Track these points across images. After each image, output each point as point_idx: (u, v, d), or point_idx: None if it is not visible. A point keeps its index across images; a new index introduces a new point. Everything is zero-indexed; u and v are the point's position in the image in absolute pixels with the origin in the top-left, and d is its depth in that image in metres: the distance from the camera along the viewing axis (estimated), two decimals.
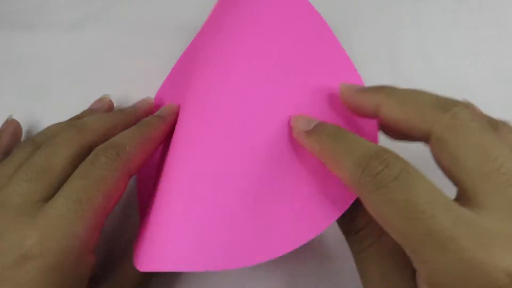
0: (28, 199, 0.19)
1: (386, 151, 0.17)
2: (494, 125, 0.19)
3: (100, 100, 0.29)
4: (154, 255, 0.19)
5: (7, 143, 0.26)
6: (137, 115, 0.26)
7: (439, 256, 0.15)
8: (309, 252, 0.25)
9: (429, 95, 0.19)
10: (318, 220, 0.20)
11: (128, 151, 0.21)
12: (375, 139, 0.22)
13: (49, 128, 0.24)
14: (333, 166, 0.19)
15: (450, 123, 0.17)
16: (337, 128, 0.20)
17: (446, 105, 0.18)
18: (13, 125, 0.27)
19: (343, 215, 0.20)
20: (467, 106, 0.18)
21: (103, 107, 0.28)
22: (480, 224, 0.15)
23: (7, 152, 0.25)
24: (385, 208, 0.16)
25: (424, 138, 0.18)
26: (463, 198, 0.16)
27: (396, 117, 0.19)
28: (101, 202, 0.20)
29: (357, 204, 0.19)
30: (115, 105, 0.29)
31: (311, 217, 0.20)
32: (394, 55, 0.30)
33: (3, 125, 0.27)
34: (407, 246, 0.16)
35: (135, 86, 0.29)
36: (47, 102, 0.30)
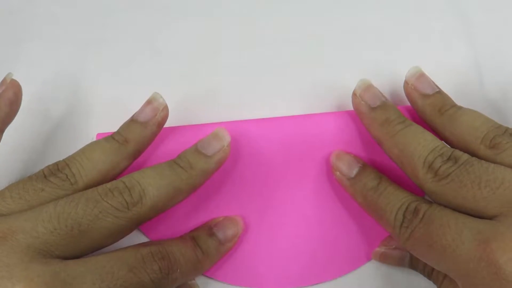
0: (50, 250, 0.18)
1: (417, 201, 0.20)
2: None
3: (151, 103, 0.23)
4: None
5: (4, 117, 0.21)
6: (206, 176, 0.22)
7: None
8: None
9: (425, 148, 0.20)
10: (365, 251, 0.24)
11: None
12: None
13: (91, 157, 0.21)
14: (376, 218, 0.22)
15: (435, 181, 0.20)
16: (378, 179, 0.22)
17: (434, 164, 0.20)
18: (12, 90, 0.22)
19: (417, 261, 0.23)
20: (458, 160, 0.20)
21: (155, 121, 0.23)
22: None
23: (4, 128, 0.22)
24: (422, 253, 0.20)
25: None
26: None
27: (393, 160, 0.22)
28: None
29: None
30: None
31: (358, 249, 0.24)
32: None
33: None
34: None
35: None
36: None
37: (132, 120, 0.23)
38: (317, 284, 0.24)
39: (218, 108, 0.27)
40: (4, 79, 0.22)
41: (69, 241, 0.18)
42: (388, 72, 0.26)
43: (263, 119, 0.25)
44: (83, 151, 0.21)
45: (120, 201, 0.19)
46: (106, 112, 0.27)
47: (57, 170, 0.20)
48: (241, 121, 0.25)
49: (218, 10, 0.29)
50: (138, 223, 0.20)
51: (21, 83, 0.28)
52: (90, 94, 0.28)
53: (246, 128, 0.25)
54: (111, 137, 0.22)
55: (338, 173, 0.24)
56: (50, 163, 0.21)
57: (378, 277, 0.25)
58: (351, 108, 0.25)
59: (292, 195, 0.25)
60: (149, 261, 0.19)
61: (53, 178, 0.20)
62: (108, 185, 0.20)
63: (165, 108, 0.23)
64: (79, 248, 0.18)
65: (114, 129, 0.23)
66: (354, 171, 0.23)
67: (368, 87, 0.23)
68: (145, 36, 0.29)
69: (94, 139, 0.25)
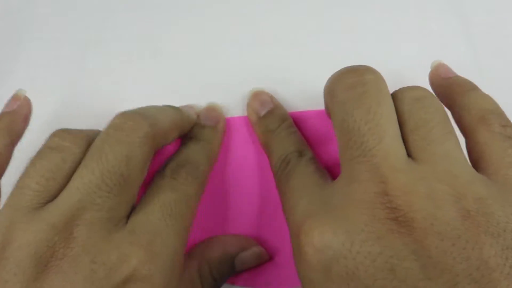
0: (115, 214, 0.16)
1: (295, 152, 0.21)
2: None
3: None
4: None
5: (21, 130, 0.21)
6: (190, 122, 0.22)
7: None
8: None
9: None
10: None
11: (202, 170, 0.20)
12: None
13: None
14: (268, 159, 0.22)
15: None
16: (280, 122, 0.22)
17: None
18: (27, 107, 0.21)
19: None
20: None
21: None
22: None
23: (16, 143, 0.21)
24: None
25: None
26: None
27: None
28: (189, 219, 0.18)
29: None
30: None
31: None
32: None
33: (11, 101, 0.21)
34: None
35: None
36: None
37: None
38: None
39: None
40: (17, 95, 0.21)
41: (124, 195, 0.16)
42: (388, 72, 0.26)
43: None
44: None
45: (139, 126, 0.18)
46: (106, 112, 0.27)
47: (57, 138, 0.18)
48: (234, 117, 0.25)
49: (218, 10, 0.29)
50: (156, 147, 0.19)
51: (20, 83, 0.28)
52: (90, 94, 0.28)
53: (240, 124, 0.25)
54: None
55: (250, 109, 0.23)
56: None
57: None
58: None
59: None
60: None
61: (65, 142, 0.18)
62: (115, 123, 0.18)
63: None
64: (132, 198, 0.17)
65: None
66: (264, 111, 0.23)
67: None
68: (145, 36, 0.29)
69: None
